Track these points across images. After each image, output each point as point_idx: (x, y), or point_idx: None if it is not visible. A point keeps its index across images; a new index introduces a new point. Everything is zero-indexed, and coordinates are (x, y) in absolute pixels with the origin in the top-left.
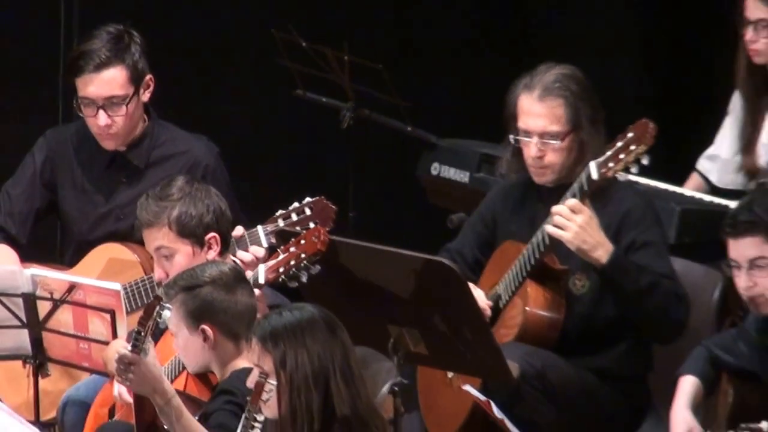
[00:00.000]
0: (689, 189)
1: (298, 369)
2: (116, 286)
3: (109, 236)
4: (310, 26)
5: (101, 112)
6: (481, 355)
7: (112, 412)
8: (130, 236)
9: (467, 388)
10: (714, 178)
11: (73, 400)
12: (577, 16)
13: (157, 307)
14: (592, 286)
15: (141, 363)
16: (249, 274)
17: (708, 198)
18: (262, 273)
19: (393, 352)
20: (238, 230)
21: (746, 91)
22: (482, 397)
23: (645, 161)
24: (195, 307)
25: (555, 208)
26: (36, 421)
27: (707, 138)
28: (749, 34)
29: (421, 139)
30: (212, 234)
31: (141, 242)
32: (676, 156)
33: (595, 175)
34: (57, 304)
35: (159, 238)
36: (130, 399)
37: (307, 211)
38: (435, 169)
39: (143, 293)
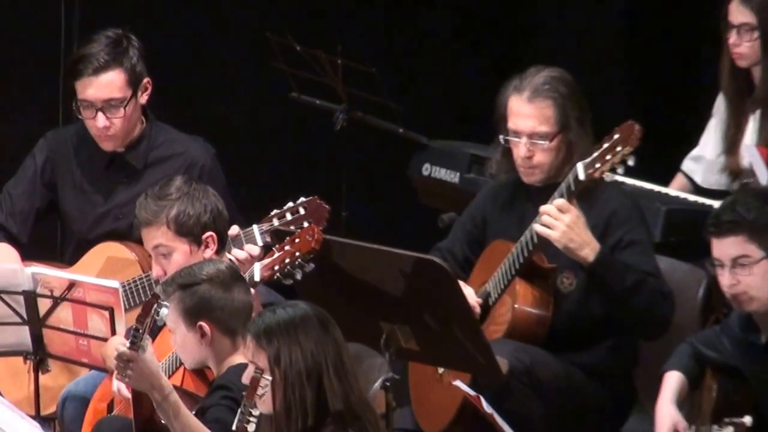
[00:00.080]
0: (674, 189)
1: (291, 365)
2: (115, 284)
3: (108, 235)
4: (305, 31)
5: (100, 114)
6: (471, 352)
7: (110, 407)
8: (129, 235)
9: (457, 383)
10: (698, 179)
11: (72, 395)
12: (565, 20)
13: (155, 305)
14: (579, 284)
15: (139, 360)
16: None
17: (692, 198)
18: (257, 271)
19: (385, 348)
20: (234, 229)
21: (730, 93)
22: (472, 392)
23: (631, 162)
24: (192, 304)
25: (543, 208)
26: (36, 416)
27: (692, 139)
28: (733, 38)
29: (413, 140)
30: (209, 233)
31: (139, 241)
32: (662, 157)
33: (582, 176)
34: (57, 301)
35: (157, 236)
36: (128, 394)
37: (301, 211)
38: (426, 169)
39: (141, 291)
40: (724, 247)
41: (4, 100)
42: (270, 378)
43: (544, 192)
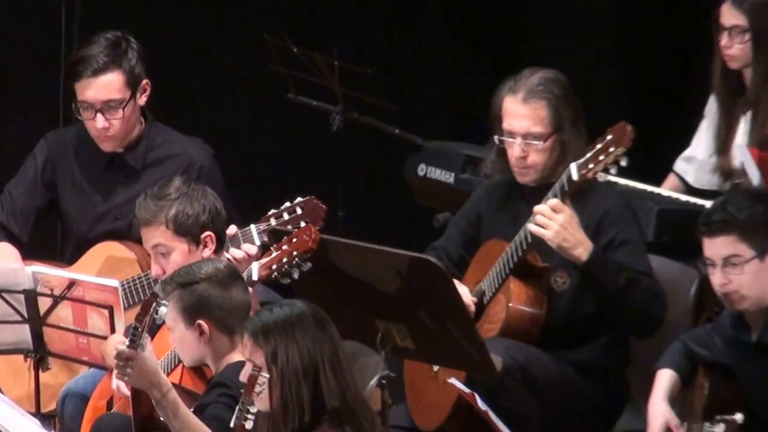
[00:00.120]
0: (666, 189)
1: (288, 363)
2: (114, 282)
3: (108, 235)
4: (302, 33)
5: (99, 115)
6: (465, 349)
7: (110, 404)
8: (128, 235)
9: (452, 380)
10: (690, 179)
11: (72, 393)
12: (559, 23)
13: (154, 304)
14: (572, 283)
15: (138, 358)
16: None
17: (684, 198)
18: (255, 270)
19: (381, 346)
20: (232, 229)
21: (721, 94)
22: (467, 390)
23: (623, 162)
24: (191, 302)
25: (537, 208)
26: (37, 413)
27: (684, 140)
28: (724, 40)
29: (408, 141)
30: (208, 232)
31: (138, 240)
32: (654, 157)
33: (575, 176)
34: (57, 300)
35: (157, 236)
36: (127, 392)
37: (299, 211)
38: (421, 170)
39: (140, 290)
40: (716, 247)
41: (5, 102)
42: (267, 375)
43: (538, 192)
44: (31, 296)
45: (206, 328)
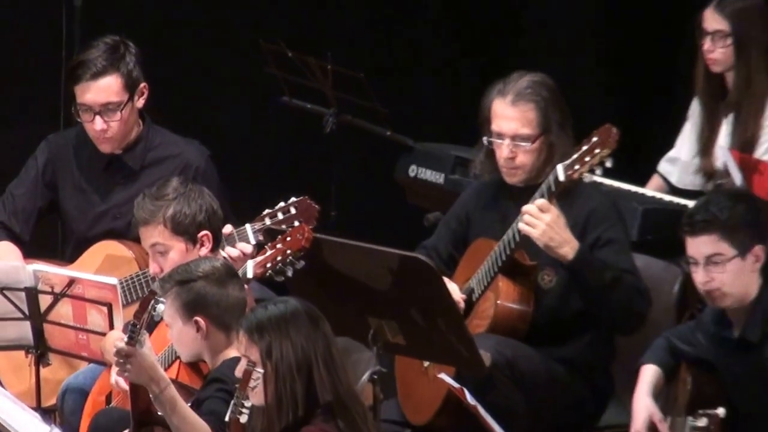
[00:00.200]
0: (651, 190)
1: (282, 359)
2: (113, 280)
3: (107, 234)
4: (296, 37)
5: (98, 117)
6: (455, 345)
7: (109, 399)
8: (127, 234)
9: (442, 376)
10: (674, 180)
11: (72, 388)
12: (545, 28)
13: (152, 301)
14: (559, 280)
15: (137, 354)
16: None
17: (668, 198)
18: (250, 268)
19: (372, 342)
20: (227, 228)
21: (704, 97)
22: (456, 385)
23: (609, 164)
24: (189, 299)
25: (524, 208)
26: (37, 407)
27: (667, 142)
28: (707, 44)
29: (399, 143)
30: (205, 232)
31: (136, 239)
32: (638, 159)
33: (562, 177)
34: (57, 297)
35: (155, 235)
36: (126, 387)
37: (292, 210)
38: (412, 171)
39: (138, 287)
40: (698, 246)
41: (7, 105)
42: (262, 371)
43: (525, 192)
44: (32, 294)
45: (203, 325)
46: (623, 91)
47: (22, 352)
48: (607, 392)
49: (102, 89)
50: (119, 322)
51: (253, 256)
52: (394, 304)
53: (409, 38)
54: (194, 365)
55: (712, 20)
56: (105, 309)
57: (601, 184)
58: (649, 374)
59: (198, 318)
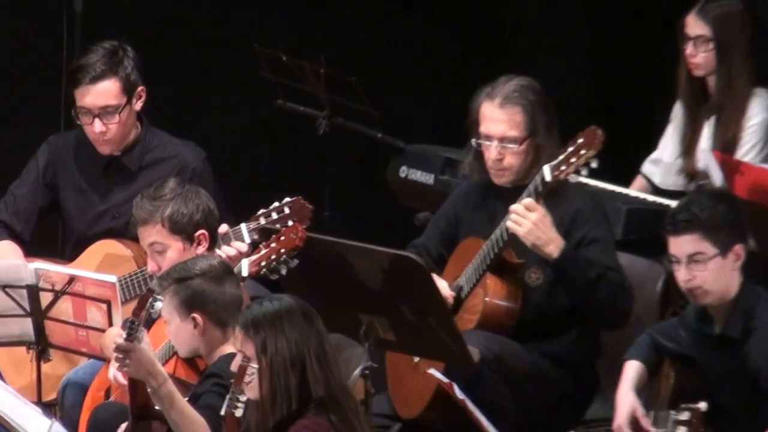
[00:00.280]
0: (634, 190)
1: (277, 354)
2: (112, 278)
3: (106, 233)
4: (290, 42)
5: (97, 120)
6: (444, 341)
7: (108, 394)
8: (125, 233)
9: (432, 371)
10: (657, 180)
11: (72, 383)
12: (533, 32)
13: (150, 299)
14: (546, 278)
15: (136, 350)
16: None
17: (651, 198)
18: (245, 266)
19: (364, 338)
20: (223, 227)
21: (686, 100)
22: (445, 380)
23: (594, 164)
24: (187, 297)
25: (512, 207)
26: (38, 402)
27: (651, 143)
28: (689, 48)
29: (391, 144)
30: (201, 231)
31: (135, 239)
32: (623, 160)
33: (548, 178)
34: (58, 295)
35: (153, 234)
36: (124, 381)
37: (286, 210)
38: (403, 172)
39: (136, 285)
40: (681, 245)
41: (9, 108)
42: (257, 366)
43: (513, 192)
44: (33, 291)
45: (200, 321)
46: (607, 94)
47: (23, 348)
48: (593, 387)
49: (101, 93)
50: (118, 318)
51: (248, 255)
52: (385, 301)
53: (399, 43)
54: (191, 361)
55: (695, 25)
56: (104, 306)
57: (586, 184)
58: (632, 370)
59: (195, 314)
